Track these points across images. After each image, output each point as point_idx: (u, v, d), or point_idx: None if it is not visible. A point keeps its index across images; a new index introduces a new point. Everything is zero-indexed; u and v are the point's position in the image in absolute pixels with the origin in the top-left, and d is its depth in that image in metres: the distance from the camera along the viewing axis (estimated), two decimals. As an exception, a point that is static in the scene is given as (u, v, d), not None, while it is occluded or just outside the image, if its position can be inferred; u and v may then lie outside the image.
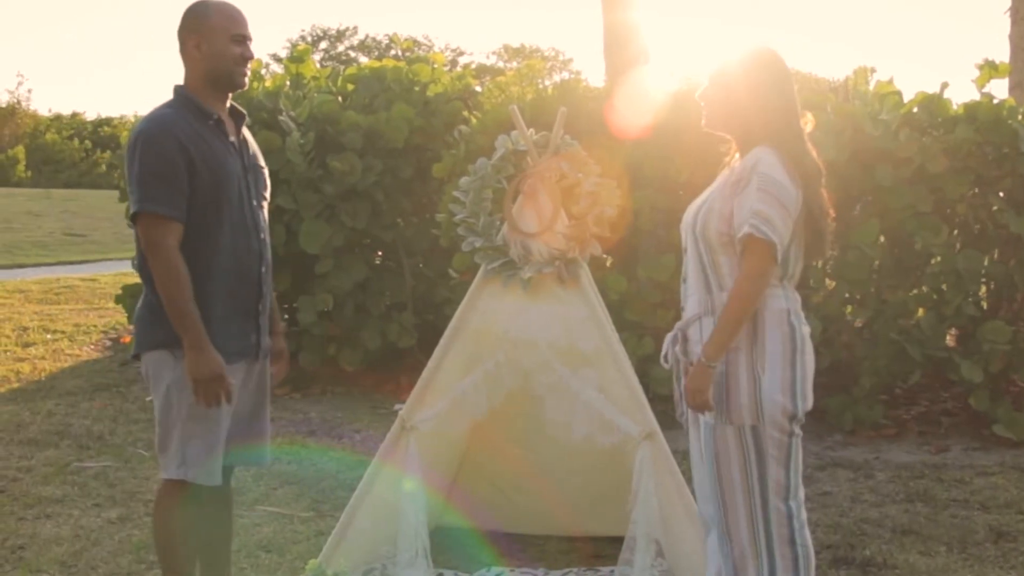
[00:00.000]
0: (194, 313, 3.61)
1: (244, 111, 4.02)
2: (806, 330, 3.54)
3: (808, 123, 3.63)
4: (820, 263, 6.88)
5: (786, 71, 3.58)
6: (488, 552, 5.05)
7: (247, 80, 3.89)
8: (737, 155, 3.63)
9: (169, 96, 3.86)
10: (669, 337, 3.71)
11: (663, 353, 3.75)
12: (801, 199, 3.45)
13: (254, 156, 3.99)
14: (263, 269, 3.91)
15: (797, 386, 3.48)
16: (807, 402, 3.52)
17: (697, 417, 3.61)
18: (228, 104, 3.91)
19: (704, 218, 3.52)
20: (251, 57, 3.84)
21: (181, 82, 3.83)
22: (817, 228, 3.54)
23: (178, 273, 3.60)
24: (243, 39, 3.79)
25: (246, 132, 4.01)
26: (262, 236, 3.91)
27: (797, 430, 3.53)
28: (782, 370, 3.46)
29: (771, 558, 3.55)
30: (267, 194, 4.04)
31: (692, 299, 3.61)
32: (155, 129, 3.69)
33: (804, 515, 3.61)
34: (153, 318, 3.74)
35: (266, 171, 4.07)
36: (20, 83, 76.47)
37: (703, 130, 3.74)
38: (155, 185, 3.62)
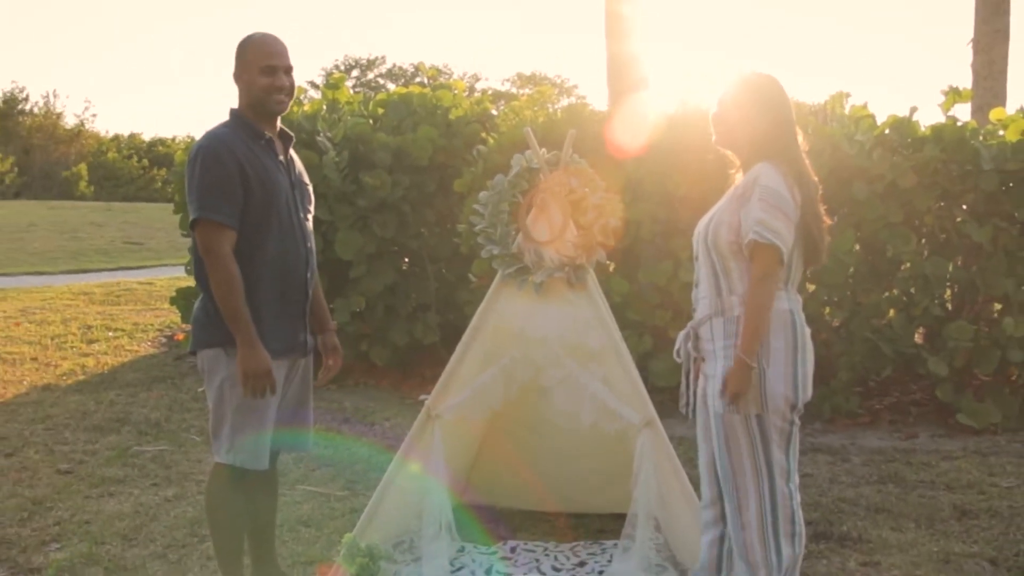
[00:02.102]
0: (246, 314, 3.62)
1: (292, 134, 4.03)
2: (807, 330, 3.56)
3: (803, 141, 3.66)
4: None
5: (784, 94, 3.60)
6: (504, 527, 5.06)
7: (282, 105, 3.85)
8: (741, 172, 3.65)
9: (221, 118, 3.90)
10: (682, 335, 3.73)
11: (676, 348, 3.78)
12: (800, 209, 3.47)
13: (300, 174, 4.01)
14: (309, 275, 3.93)
15: (798, 380, 3.50)
16: (807, 394, 3.54)
17: (706, 406, 3.62)
18: (278, 127, 3.94)
19: (715, 230, 3.54)
20: (282, 85, 3.80)
21: (236, 106, 3.87)
22: (814, 236, 3.55)
23: (232, 277, 3.62)
24: (272, 70, 3.78)
25: (293, 152, 4.03)
26: (308, 244, 3.93)
27: (796, 419, 3.55)
28: (785, 365, 3.47)
29: (776, 534, 3.56)
30: (312, 208, 4.06)
31: (703, 301, 3.63)
32: (215, 144, 3.71)
33: (798, 496, 3.62)
34: (209, 320, 3.76)
35: (311, 187, 4.09)
36: (87, 108, 76.86)
37: (713, 147, 3.76)
38: (212, 195, 3.64)
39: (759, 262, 3.44)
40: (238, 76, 3.84)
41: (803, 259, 3.61)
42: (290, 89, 3.85)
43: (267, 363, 3.64)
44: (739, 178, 3.65)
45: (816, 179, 3.61)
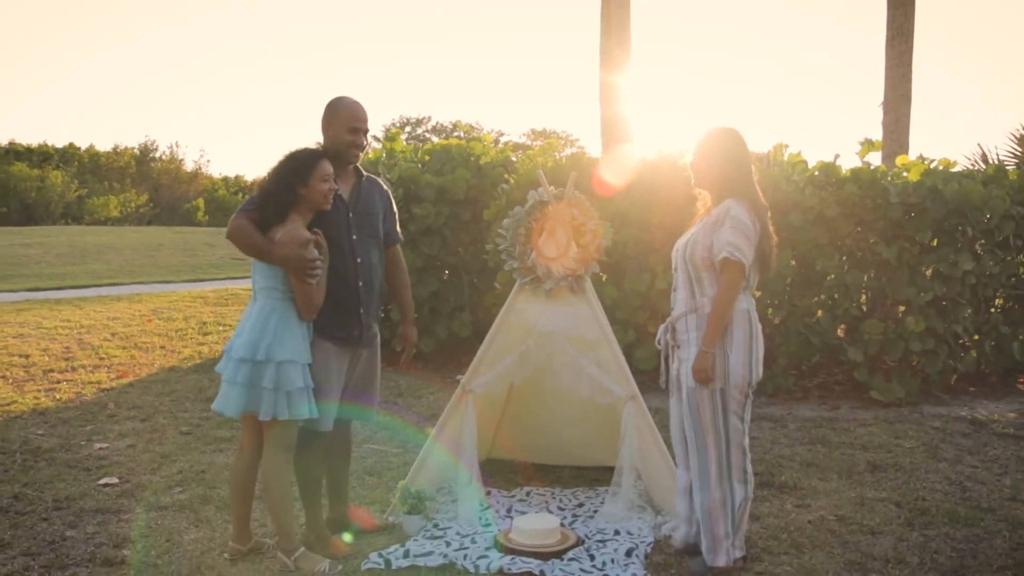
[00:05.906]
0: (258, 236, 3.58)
1: (363, 173, 4.00)
2: (759, 325, 3.59)
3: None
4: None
5: (740, 142, 3.61)
6: (521, 476, 5.07)
7: (357, 158, 3.89)
8: (714, 205, 3.66)
9: None
10: (662, 327, 3.75)
11: (657, 338, 3.79)
12: (758, 233, 3.49)
13: (366, 205, 3.93)
14: (360, 283, 3.87)
15: (752, 362, 3.54)
16: (759, 373, 3.58)
17: (680, 384, 3.63)
18: (353, 166, 3.92)
19: (692, 247, 3.58)
20: (361, 143, 3.86)
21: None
22: (766, 254, 3.57)
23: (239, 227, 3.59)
24: (356, 131, 3.84)
25: (372, 187, 3.99)
26: (359, 260, 3.86)
27: (751, 394, 3.57)
28: (743, 352, 3.50)
29: (731, 481, 3.57)
30: (373, 232, 3.95)
31: (680, 302, 3.65)
32: None
33: (749, 455, 3.63)
34: None
35: (377, 218, 3.98)
36: (202, 154, 77.45)
37: (682, 186, 3.78)
38: (257, 199, 3.67)
39: (728, 274, 3.47)
40: (326, 128, 3.84)
41: (759, 271, 3.63)
42: (364, 145, 3.89)
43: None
44: (712, 208, 3.66)
45: (767, 204, 3.62)
